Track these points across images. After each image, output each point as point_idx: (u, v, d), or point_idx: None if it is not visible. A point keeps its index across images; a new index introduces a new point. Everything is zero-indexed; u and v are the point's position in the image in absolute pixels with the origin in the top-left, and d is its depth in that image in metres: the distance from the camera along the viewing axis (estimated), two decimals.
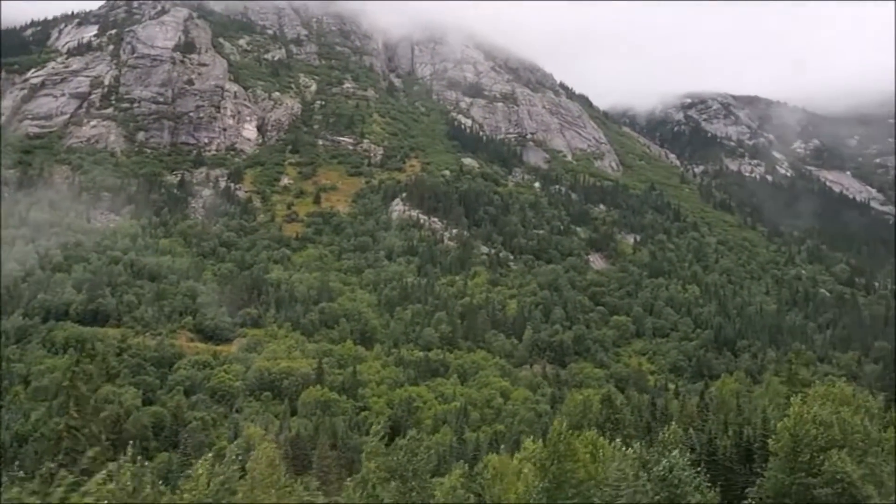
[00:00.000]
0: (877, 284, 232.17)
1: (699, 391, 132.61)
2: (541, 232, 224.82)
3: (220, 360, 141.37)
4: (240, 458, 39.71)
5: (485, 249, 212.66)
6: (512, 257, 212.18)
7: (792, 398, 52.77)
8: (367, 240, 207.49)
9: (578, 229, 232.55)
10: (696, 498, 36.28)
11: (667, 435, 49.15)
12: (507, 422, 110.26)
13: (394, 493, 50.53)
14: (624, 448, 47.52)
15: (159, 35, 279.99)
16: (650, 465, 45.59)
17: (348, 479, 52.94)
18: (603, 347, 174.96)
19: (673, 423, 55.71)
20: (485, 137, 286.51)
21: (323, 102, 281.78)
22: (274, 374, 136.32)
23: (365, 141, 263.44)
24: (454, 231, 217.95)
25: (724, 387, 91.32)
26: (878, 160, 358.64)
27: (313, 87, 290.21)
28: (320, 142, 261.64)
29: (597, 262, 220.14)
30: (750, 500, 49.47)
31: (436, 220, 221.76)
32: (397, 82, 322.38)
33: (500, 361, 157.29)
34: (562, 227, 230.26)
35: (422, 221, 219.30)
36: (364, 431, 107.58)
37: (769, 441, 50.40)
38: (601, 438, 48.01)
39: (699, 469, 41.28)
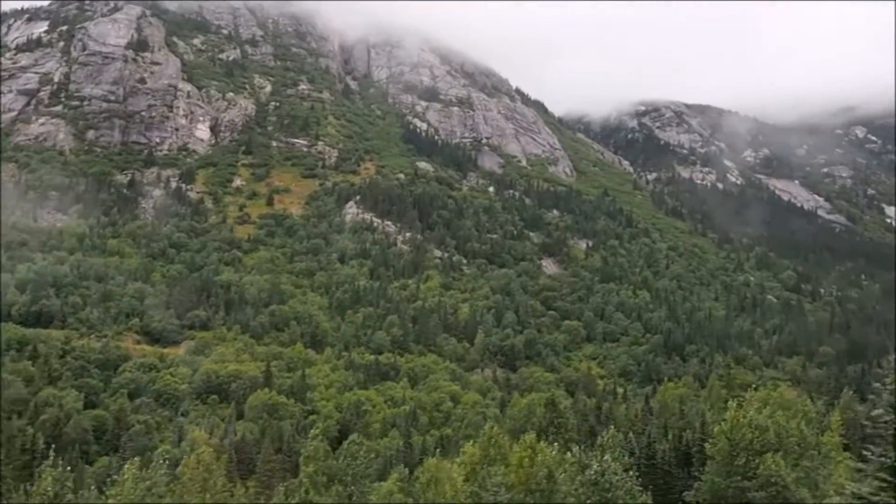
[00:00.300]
0: (822, 291, 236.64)
1: (647, 396, 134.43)
2: (494, 236, 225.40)
3: (166, 363, 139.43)
4: (167, 462, 39.14)
5: (438, 253, 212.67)
6: (465, 261, 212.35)
7: (729, 402, 53.38)
8: (319, 242, 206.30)
9: (532, 234, 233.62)
10: (627, 501, 36.40)
11: (606, 439, 49.38)
12: (455, 426, 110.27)
13: (333, 497, 50.21)
14: (563, 452, 47.68)
15: (111, 32, 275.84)
16: (593, 468, 45.76)
17: (281, 484, 52.45)
18: (554, 352, 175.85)
19: (612, 427, 55.99)
20: (440, 141, 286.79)
21: (278, 104, 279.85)
22: (221, 378, 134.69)
23: (319, 143, 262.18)
24: (408, 234, 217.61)
25: (666, 392, 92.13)
26: (825, 170, 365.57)
27: (268, 88, 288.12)
28: (274, 143, 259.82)
29: (549, 266, 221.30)
30: (687, 503, 49.93)
31: (389, 223, 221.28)
32: (353, 85, 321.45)
33: (451, 365, 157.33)
34: (515, 232, 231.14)
35: (375, 224, 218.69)
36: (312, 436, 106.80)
37: (706, 445, 50.94)
38: (541, 443, 48.02)
39: (632, 472, 41.45)
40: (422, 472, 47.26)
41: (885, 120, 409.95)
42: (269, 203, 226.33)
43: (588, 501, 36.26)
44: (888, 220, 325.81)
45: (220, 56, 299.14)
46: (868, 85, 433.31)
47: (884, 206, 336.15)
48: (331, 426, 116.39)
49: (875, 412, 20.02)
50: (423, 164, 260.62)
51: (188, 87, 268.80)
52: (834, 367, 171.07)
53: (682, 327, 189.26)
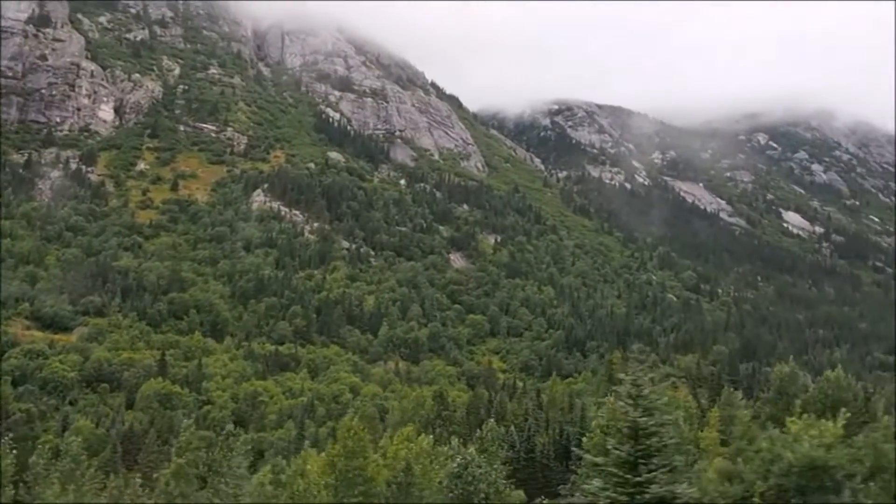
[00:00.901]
0: (720, 291, 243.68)
1: (538, 390, 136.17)
2: (403, 229, 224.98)
3: (56, 350, 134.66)
4: (14, 451, 37.52)
5: (346, 244, 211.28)
6: (373, 253, 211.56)
7: (607, 397, 54.16)
8: (224, 230, 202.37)
9: (441, 228, 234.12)
10: (489, 494, 36.48)
11: (485, 432, 49.51)
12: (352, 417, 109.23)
13: (208, 489, 49.02)
14: (442, 445, 47.63)
15: (11, 6, 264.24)
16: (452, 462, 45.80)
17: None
18: (457, 345, 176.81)
19: (492, 420, 56.25)
20: (352, 132, 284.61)
21: (186, 87, 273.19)
22: (114, 366, 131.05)
23: (229, 129, 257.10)
24: (315, 225, 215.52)
25: (554, 386, 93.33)
26: (728, 174, 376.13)
27: (177, 71, 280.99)
28: (181, 127, 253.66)
29: (457, 260, 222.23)
30: (562, 497, 50.43)
31: (297, 212, 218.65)
32: (266, 71, 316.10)
33: (353, 357, 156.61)
34: (424, 225, 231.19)
35: (283, 213, 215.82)
36: (205, 426, 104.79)
37: (583, 439, 51.51)
38: (421, 436, 47.90)
39: (504, 466, 41.62)
40: (294, 465, 46.65)
41: (786, 128, 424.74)
42: (174, 188, 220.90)
43: (450, 495, 36.23)
44: (785, 225, 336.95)
45: (128, 36, 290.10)
46: (771, 93, 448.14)
47: (782, 210, 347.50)
48: (225, 416, 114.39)
49: (618, 403, 20.27)
50: (334, 155, 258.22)
51: (92, 66, 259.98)
52: (726, 365, 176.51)
53: (584, 323, 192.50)
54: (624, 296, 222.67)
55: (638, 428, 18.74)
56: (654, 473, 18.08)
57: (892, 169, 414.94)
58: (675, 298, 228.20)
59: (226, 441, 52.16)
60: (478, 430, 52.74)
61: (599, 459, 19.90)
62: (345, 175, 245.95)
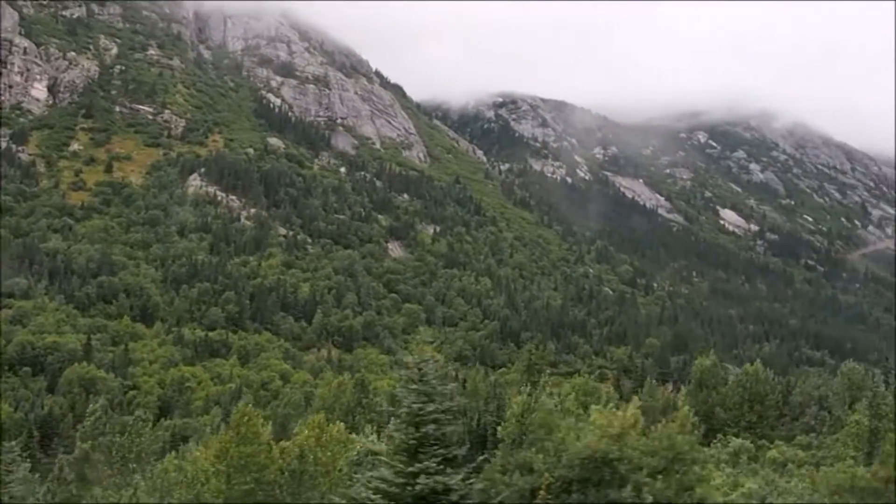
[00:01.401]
0: (656, 286, 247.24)
1: (463, 380, 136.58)
2: (342, 217, 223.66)
3: None
4: None
5: (283, 231, 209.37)
6: (310, 240, 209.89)
7: (522, 387, 54.45)
8: (158, 214, 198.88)
9: (380, 217, 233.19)
10: None
11: None
12: (273, 405, 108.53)
13: (113, 474, 48.14)
14: (350, 433, 47.31)
15: None
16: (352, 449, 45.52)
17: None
18: (392, 334, 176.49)
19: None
20: (293, 118, 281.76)
21: (123, 67, 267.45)
22: (38, 349, 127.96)
23: (166, 111, 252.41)
24: (252, 210, 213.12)
25: (476, 375, 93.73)
26: (667, 170, 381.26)
27: (114, 51, 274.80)
28: (117, 108, 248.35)
29: (395, 250, 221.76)
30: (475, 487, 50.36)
31: (234, 198, 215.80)
32: (206, 54, 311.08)
33: (285, 344, 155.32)
34: (363, 214, 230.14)
35: (219, 198, 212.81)
36: (129, 412, 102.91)
37: (499, 428, 51.69)
38: (333, 424, 47.42)
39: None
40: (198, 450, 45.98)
41: (725, 127, 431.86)
42: (108, 170, 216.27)
43: (348, 482, 35.92)
44: (722, 222, 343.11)
45: (64, 13, 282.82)
46: (714, 93, 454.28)
47: (718, 208, 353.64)
48: (150, 402, 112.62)
49: (399, 389, 19.77)
50: (274, 140, 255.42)
51: (25, 42, 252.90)
52: (658, 357, 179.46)
53: (519, 315, 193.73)
54: (560, 288, 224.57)
55: (415, 415, 18.23)
56: (425, 464, 17.61)
57: (827, 170, 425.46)
58: (611, 292, 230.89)
59: (133, 427, 51.36)
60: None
61: (380, 447, 19.47)
62: (284, 161, 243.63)
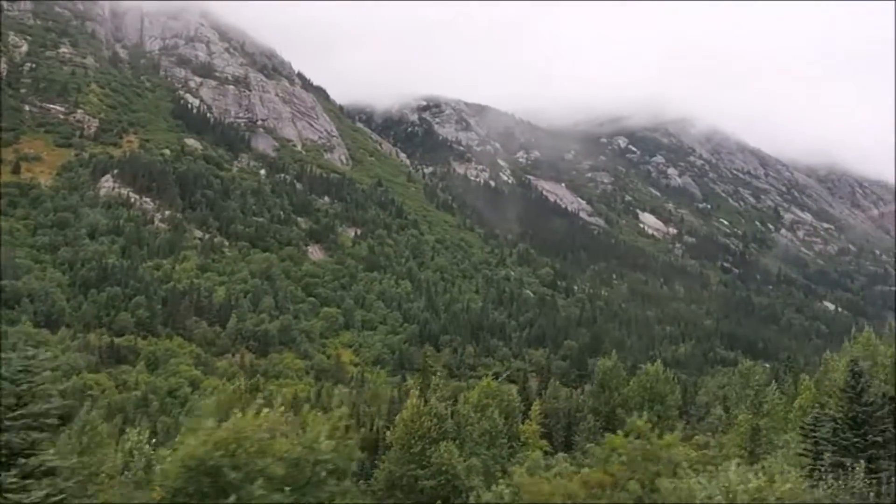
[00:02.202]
0: (576, 288, 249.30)
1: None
2: (261, 220, 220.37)
3: None
4: None
5: (199, 234, 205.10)
6: (227, 243, 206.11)
7: (412, 391, 53.65)
8: (68, 216, 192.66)
9: (300, 219, 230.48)
10: None
11: None
12: (176, 413, 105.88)
13: None
14: None
15: None
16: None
17: None
18: (309, 338, 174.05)
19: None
20: (212, 119, 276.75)
21: (34, 65, 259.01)
22: None
23: (79, 111, 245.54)
24: (167, 213, 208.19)
25: (378, 379, 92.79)
26: (589, 174, 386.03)
27: (24, 48, 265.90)
28: (27, 107, 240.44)
29: (315, 253, 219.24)
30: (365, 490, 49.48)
31: (148, 199, 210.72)
32: (122, 53, 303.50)
33: (197, 350, 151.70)
34: (283, 217, 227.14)
35: (132, 200, 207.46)
36: None
37: (388, 432, 50.82)
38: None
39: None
40: None
41: (644, 133, 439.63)
42: (16, 171, 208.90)
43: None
44: (641, 226, 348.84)
45: None
46: (633, 99, 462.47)
47: (638, 212, 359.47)
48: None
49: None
50: (191, 142, 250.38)
51: None
52: (576, 359, 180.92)
53: (439, 318, 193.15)
54: (482, 291, 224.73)
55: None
56: None
57: (742, 175, 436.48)
58: (531, 294, 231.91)
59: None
60: None
61: None
62: (202, 163, 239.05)
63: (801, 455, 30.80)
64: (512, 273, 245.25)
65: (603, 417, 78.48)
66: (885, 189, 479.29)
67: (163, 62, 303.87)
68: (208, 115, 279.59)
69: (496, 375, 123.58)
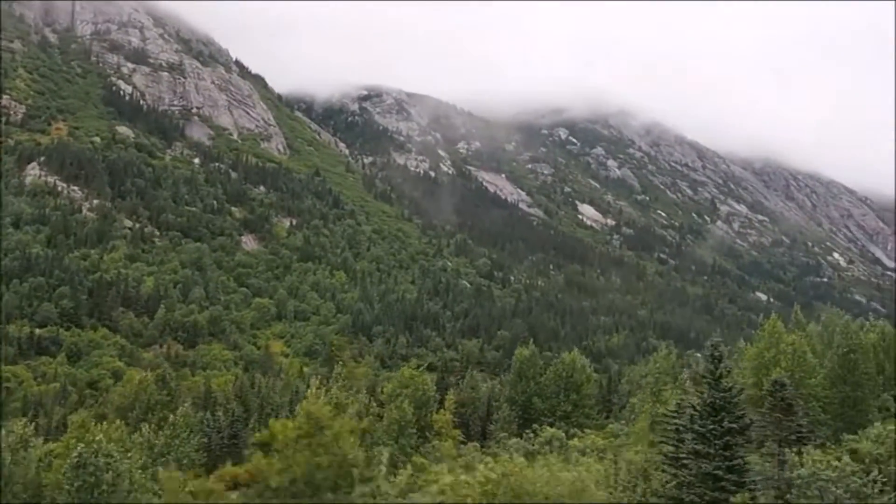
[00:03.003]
0: (513, 279, 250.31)
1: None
2: (193, 209, 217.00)
3: None
4: None
5: (128, 223, 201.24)
6: (158, 233, 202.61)
7: (312, 379, 53.10)
8: None
9: (234, 209, 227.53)
10: (108, 483, 34.17)
11: (178, 418, 47.15)
12: (94, 405, 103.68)
13: None
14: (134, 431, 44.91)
15: None
16: (157, 447, 43.45)
17: None
18: (239, 329, 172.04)
19: (186, 405, 53.93)
20: (145, 107, 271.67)
21: None
22: None
23: (5, 97, 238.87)
24: (95, 202, 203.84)
25: (292, 368, 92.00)
26: (529, 166, 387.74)
27: None
28: None
29: (249, 243, 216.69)
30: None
31: (76, 188, 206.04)
32: (52, 38, 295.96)
33: (122, 341, 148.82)
34: (216, 206, 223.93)
35: (59, 189, 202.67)
36: None
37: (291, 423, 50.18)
38: (104, 424, 44.83)
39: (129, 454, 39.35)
40: None
41: (585, 124, 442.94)
42: None
43: (67, 486, 33.82)
44: (580, 217, 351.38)
45: None
46: (574, 91, 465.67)
47: (577, 203, 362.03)
48: None
49: None
50: (123, 129, 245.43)
51: None
52: (510, 349, 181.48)
53: (372, 308, 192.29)
54: (418, 282, 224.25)
55: None
56: None
57: (680, 168, 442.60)
58: (468, 285, 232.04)
59: None
60: (171, 416, 50.25)
61: None
62: (133, 151, 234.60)
63: (661, 442, 30.99)
64: (449, 263, 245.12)
65: (519, 406, 78.89)
66: (817, 182, 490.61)
67: (94, 47, 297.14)
68: (141, 102, 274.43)
69: (428, 366, 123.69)
